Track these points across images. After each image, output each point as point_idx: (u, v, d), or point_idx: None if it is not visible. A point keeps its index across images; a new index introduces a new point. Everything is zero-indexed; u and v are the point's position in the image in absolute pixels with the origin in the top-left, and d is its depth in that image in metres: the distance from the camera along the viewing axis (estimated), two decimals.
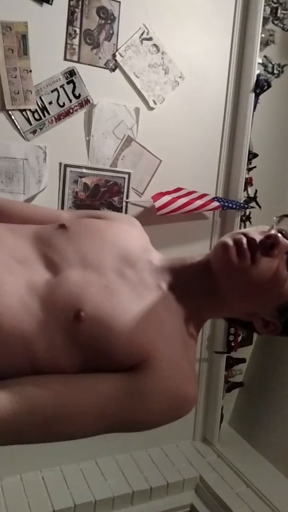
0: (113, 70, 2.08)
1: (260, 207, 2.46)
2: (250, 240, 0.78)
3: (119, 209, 2.20)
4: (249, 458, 2.54)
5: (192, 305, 0.83)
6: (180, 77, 2.22)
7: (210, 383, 2.64)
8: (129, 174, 2.20)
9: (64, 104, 2.01)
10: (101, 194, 2.14)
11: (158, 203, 2.12)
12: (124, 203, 2.21)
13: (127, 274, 0.81)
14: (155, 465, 2.41)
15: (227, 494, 2.24)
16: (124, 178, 2.19)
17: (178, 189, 2.28)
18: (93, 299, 0.74)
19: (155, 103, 2.19)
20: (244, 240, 0.78)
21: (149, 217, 2.24)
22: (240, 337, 2.55)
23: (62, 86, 2.00)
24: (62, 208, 2.08)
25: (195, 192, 2.29)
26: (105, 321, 0.72)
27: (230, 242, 0.79)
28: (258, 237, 0.79)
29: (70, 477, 2.22)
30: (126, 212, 2.22)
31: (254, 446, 2.62)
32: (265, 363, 2.69)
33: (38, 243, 0.83)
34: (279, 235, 0.78)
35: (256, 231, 0.81)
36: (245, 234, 0.79)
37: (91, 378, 0.71)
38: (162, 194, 2.19)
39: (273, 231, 0.79)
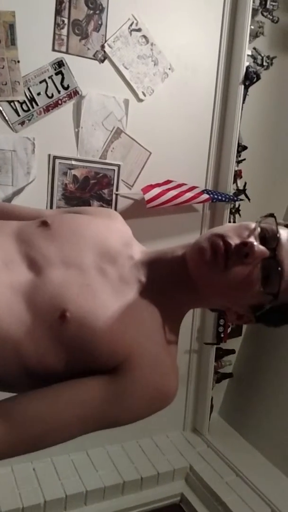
0: (102, 61, 2.07)
1: (249, 199, 2.47)
2: (226, 245, 0.77)
3: (109, 202, 2.20)
4: (239, 448, 2.57)
5: (172, 299, 0.84)
6: (169, 68, 2.22)
7: (200, 374, 2.66)
8: (118, 166, 2.19)
9: (52, 95, 2.00)
10: (90, 186, 2.14)
11: (148, 196, 2.12)
12: (114, 196, 2.21)
13: (108, 271, 0.82)
14: (145, 455, 2.43)
15: (216, 483, 2.27)
16: (114, 170, 2.19)
17: (167, 182, 2.28)
18: (77, 299, 0.75)
19: (144, 94, 2.18)
20: (220, 245, 0.77)
21: (139, 210, 2.24)
22: (229, 329, 2.57)
23: (50, 77, 1.98)
24: (51, 200, 2.07)
25: (185, 184, 2.29)
26: (88, 321, 0.73)
27: (206, 246, 0.78)
28: (235, 241, 0.77)
29: (61, 468, 2.24)
30: (116, 205, 2.22)
31: (244, 436, 2.66)
32: (254, 354, 2.72)
33: (20, 242, 0.84)
34: (255, 243, 0.76)
35: (236, 233, 0.79)
36: (223, 237, 0.78)
37: (73, 388, 0.73)
38: (152, 187, 2.19)
39: (250, 239, 0.77)
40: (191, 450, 2.55)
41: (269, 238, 0.79)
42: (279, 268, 0.76)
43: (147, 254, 0.90)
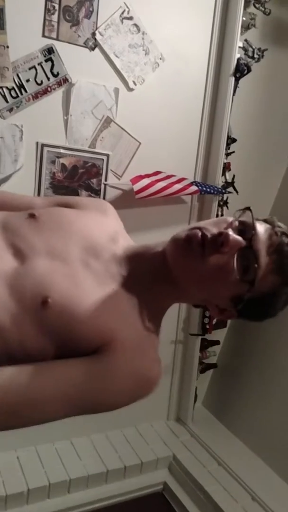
0: (93, 49, 2.04)
1: (237, 192, 2.48)
2: (203, 236, 0.79)
3: (97, 191, 2.18)
4: (221, 437, 2.61)
5: (153, 294, 0.86)
6: (160, 58, 2.20)
7: (184, 364, 2.69)
8: (107, 155, 2.18)
9: (42, 82, 1.97)
10: (79, 176, 2.12)
11: (136, 186, 2.12)
12: (102, 186, 2.20)
13: (92, 265, 0.84)
14: (129, 444, 2.45)
15: (199, 472, 2.31)
16: (103, 160, 2.17)
17: (156, 173, 2.27)
18: (59, 287, 0.76)
19: (135, 84, 2.17)
20: (197, 235, 0.79)
21: (127, 200, 2.24)
22: (214, 320, 2.59)
23: (40, 64, 1.95)
24: (39, 188, 2.05)
25: (174, 176, 2.29)
26: (70, 308, 0.75)
27: (182, 237, 0.81)
28: (212, 232, 0.80)
29: (45, 456, 2.24)
30: (104, 195, 2.21)
31: (227, 426, 2.70)
32: (239, 345, 2.75)
33: (6, 232, 0.85)
34: (230, 232, 0.79)
35: (214, 225, 0.82)
36: (200, 229, 0.80)
37: (55, 365, 0.73)
38: (141, 177, 2.18)
39: (225, 229, 0.80)
40: (174, 440, 2.58)
41: (245, 230, 0.82)
42: (255, 257, 0.79)
43: (131, 249, 0.91)
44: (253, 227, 0.81)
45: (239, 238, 0.79)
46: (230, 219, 0.84)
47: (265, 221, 0.86)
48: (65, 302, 0.75)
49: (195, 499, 2.22)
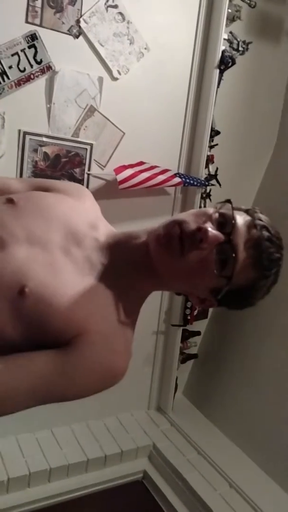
0: (77, 36, 2.02)
1: (220, 185, 2.49)
2: (182, 231, 0.79)
3: (80, 181, 2.17)
4: (201, 426, 2.65)
5: (133, 282, 0.86)
6: (145, 48, 2.19)
7: (165, 354, 2.71)
8: (91, 145, 2.17)
9: (24, 69, 1.94)
10: (62, 165, 2.11)
11: (120, 177, 2.11)
12: (85, 175, 2.18)
13: (72, 252, 0.83)
14: (110, 433, 2.47)
15: (178, 461, 2.34)
16: (86, 149, 2.16)
17: (140, 163, 2.27)
18: (37, 275, 0.76)
19: (119, 73, 2.15)
20: (176, 231, 0.80)
21: (111, 190, 2.23)
22: (196, 311, 2.61)
23: (23, 50, 1.92)
24: (21, 177, 2.02)
25: (158, 167, 2.28)
26: (46, 298, 0.75)
27: (162, 232, 0.81)
28: (191, 227, 0.80)
29: (26, 446, 2.25)
30: (88, 185, 2.20)
31: (206, 415, 2.73)
32: (219, 336, 2.78)
33: None
34: (209, 228, 0.79)
35: (194, 219, 0.82)
36: (180, 224, 0.80)
37: (22, 357, 0.73)
38: (125, 167, 2.17)
39: (205, 225, 0.79)
40: (155, 429, 2.60)
41: (225, 223, 0.81)
42: (233, 253, 0.79)
43: (113, 236, 0.91)
44: (232, 221, 0.81)
45: (217, 233, 0.79)
46: (211, 211, 0.84)
47: (247, 211, 0.86)
48: (42, 292, 0.75)
49: (174, 487, 2.26)
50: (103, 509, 2.19)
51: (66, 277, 0.79)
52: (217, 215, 0.82)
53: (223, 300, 0.85)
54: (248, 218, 0.84)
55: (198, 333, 2.77)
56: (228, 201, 0.84)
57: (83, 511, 2.15)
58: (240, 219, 0.82)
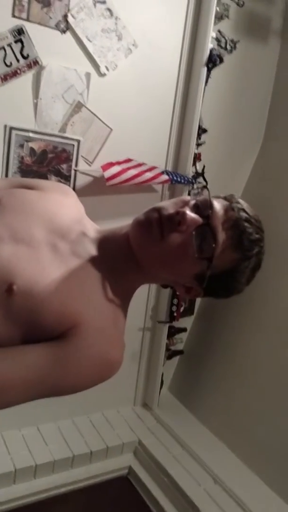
0: (64, 31, 2.00)
1: (207, 183, 2.49)
2: (161, 216, 0.81)
3: (67, 177, 2.16)
4: (186, 423, 2.66)
5: (121, 276, 0.86)
6: (133, 44, 2.18)
7: (151, 351, 2.72)
8: (78, 141, 2.16)
9: (11, 64, 1.92)
10: (48, 161, 2.09)
11: (107, 173, 2.11)
12: (72, 171, 2.17)
13: (59, 247, 0.84)
14: (95, 430, 2.47)
15: (163, 456, 2.35)
16: (73, 145, 2.15)
17: (128, 160, 2.26)
18: (24, 272, 0.76)
19: (107, 69, 2.14)
20: (154, 216, 0.81)
21: (98, 187, 2.23)
22: (182, 308, 2.63)
23: (9, 45, 1.90)
24: (7, 173, 2.01)
25: (145, 164, 2.29)
26: (36, 294, 0.75)
27: (142, 218, 0.83)
28: (170, 211, 0.82)
29: (11, 442, 2.24)
30: (75, 181, 2.19)
31: (191, 411, 2.75)
32: (205, 332, 2.80)
33: None
34: (187, 211, 0.80)
35: (172, 205, 0.84)
36: (159, 210, 0.82)
37: (17, 350, 0.73)
38: (112, 164, 2.17)
39: (183, 209, 0.81)
40: (140, 425, 2.61)
41: (203, 207, 0.83)
42: (212, 234, 0.80)
43: (99, 232, 0.92)
44: (210, 205, 0.82)
45: (195, 216, 0.81)
46: (188, 198, 0.86)
47: (224, 198, 0.87)
48: (30, 288, 0.75)
49: (159, 483, 2.27)
50: (88, 505, 2.20)
51: (54, 272, 0.79)
52: (194, 201, 0.84)
53: (209, 286, 0.85)
54: (225, 202, 0.85)
55: (184, 329, 2.79)
56: (205, 187, 0.85)
57: (69, 506, 2.16)
58: (217, 203, 0.84)
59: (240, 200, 0.86)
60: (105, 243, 0.88)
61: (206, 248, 0.80)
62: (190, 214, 0.81)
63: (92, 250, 0.86)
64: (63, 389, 0.76)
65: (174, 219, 0.80)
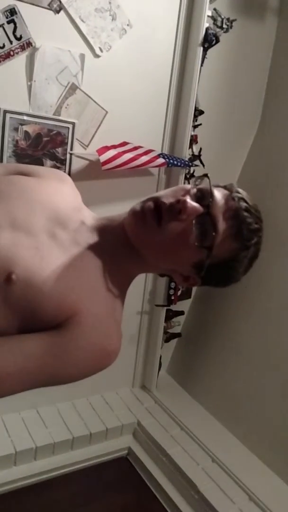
0: (57, 12, 1.96)
1: (203, 165, 2.48)
2: (160, 204, 0.81)
3: (62, 161, 2.14)
4: (184, 403, 2.70)
5: (119, 264, 0.86)
6: (128, 25, 2.14)
7: (150, 334, 2.74)
8: (73, 124, 2.13)
9: (4, 45, 1.89)
10: (43, 144, 2.07)
11: (103, 157, 2.09)
12: (68, 155, 2.15)
13: (57, 235, 0.83)
14: (95, 412, 2.50)
15: (162, 437, 2.39)
16: (68, 128, 2.13)
17: (123, 144, 2.24)
18: (23, 261, 0.76)
19: (101, 50, 2.11)
20: (150, 207, 0.81)
21: (94, 171, 2.21)
22: (179, 291, 2.64)
23: (2, 26, 1.86)
24: (1, 157, 1.99)
25: (141, 147, 2.27)
26: (35, 283, 0.74)
27: (138, 208, 0.82)
28: (170, 200, 0.81)
29: (11, 425, 2.27)
30: (70, 165, 2.17)
31: (189, 392, 2.79)
32: (202, 315, 2.82)
33: None
34: (188, 200, 0.80)
35: (172, 194, 0.83)
36: (156, 199, 0.82)
37: (14, 339, 0.73)
38: (108, 148, 2.15)
39: (183, 198, 0.80)
40: (139, 406, 2.65)
41: (203, 196, 0.82)
42: (213, 224, 0.80)
43: (97, 220, 0.91)
44: (210, 194, 0.81)
45: (196, 205, 0.80)
46: (188, 186, 0.85)
47: (224, 187, 0.87)
48: (30, 277, 0.74)
49: (158, 463, 2.31)
50: (89, 485, 2.24)
51: (54, 261, 0.78)
52: (195, 190, 0.83)
53: (206, 275, 0.85)
54: (225, 192, 0.85)
55: (181, 312, 2.80)
56: (206, 175, 0.84)
57: (69, 487, 2.20)
58: (218, 192, 0.83)
59: (240, 190, 0.86)
60: (103, 231, 0.88)
61: (206, 237, 0.80)
62: (191, 202, 0.80)
63: (91, 239, 0.86)
64: (61, 379, 0.76)
65: (175, 207, 0.80)
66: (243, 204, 0.82)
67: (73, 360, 0.75)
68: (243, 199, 0.83)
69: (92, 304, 0.79)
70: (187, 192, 0.83)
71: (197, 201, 0.81)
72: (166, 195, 0.83)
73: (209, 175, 0.84)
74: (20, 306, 0.74)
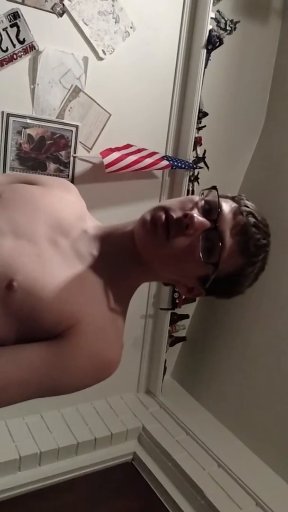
0: (61, 15, 1.96)
1: (208, 167, 2.47)
2: (168, 217, 0.79)
3: (66, 164, 2.14)
4: (189, 408, 2.68)
5: (122, 273, 0.85)
6: (131, 27, 2.14)
7: (154, 338, 2.72)
8: (76, 127, 2.13)
9: (7, 49, 1.89)
10: (46, 147, 2.07)
11: (107, 160, 2.08)
12: (71, 158, 2.15)
13: (60, 243, 0.82)
14: (99, 416, 2.48)
15: (167, 442, 2.37)
16: (72, 131, 2.12)
17: (127, 146, 2.24)
18: (25, 269, 0.75)
19: (104, 53, 2.10)
20: (161, 217, 0.79)
21: (97, 174, 2.20)
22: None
23: (5, 29, 1.86)
24: (5, 160, 1.99)
25: (145, 149, 2.26)
26: (36, 291, 0.73)
27: (148, 218, 0.80)
28: (177, 214, 0.79)
29: (15, 430, 2.25)
30: (74, 168, 2.17)
31: (194, 397, 2.77)
32: (207, 319, 2.80)
33: None
34: (195, 215, 0.78)
35: (180, 206, 0.81)
36: (166, 210, 0.80)
37: (13, 350, 0.72)
38: (111, 151, 2.14)
39: (191, 211, 0.79)
40: (144, 411, 2.63)
41: (211, 210, 0.80)
42: (220, 239, 0.78)
43: (101, 229, 0.90)
44: (218, 208, 0.80)
45: (203, 220, 0.79)
46: (196, 198, 0.83)
47: (233, 199, 0.85)
48: (31, 285, 0.73)
49: (163, 468, 2.29)
50: (93, 491, 2.21)
51: (55, 269, 0.78)
52: (203, 202, 0.82)
53: (211, 288, 0.84)
54: (234, 204, 0.83)
55: (186, 316, 2.79)
56: (214, 187, 0.82)
57: (74, 493, 2.18)
58: (226, 206, 0.82)
59: (248, 203, 0.84)
60: (107, 240, 0.87)
61: (212, 253, 0.79)
62: (198, 217, 0.78)
63: (93, 248, 0.85)
64: (61, 389, 0.75)
65: (182, 222, 0.78)
66: (252, 220, 0.81)
67: (72, 371, 0.74)
68: (251, 213, 0.82)
69: (93, 313, 0.78)
70: (195, 204, 0.81)
71: (204, 215, 0.80)
72: (174, 207, 0.81)
73: (217, 187, 0.82)
74: (20, 314, 0.73)
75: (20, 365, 0.70)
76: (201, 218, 0.79)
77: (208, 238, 0.79)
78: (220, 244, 0.78)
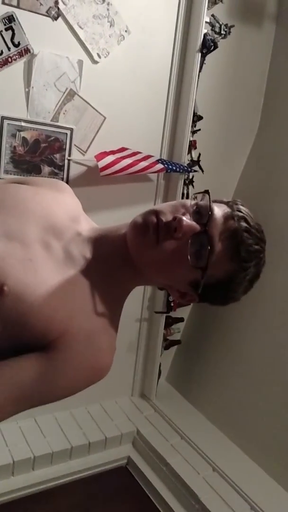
0: (56, 18, 1.96)
1: (203, 171, 2.48)
2: (158, 221, 0.78)
3: (60, 167, 2.13)
4: (184, 412, 2.67)
5: (115, 277, 0.84)
6: (126, 31, 2.14)
7: (149, 341, 2.72)
8: (71, 130, 2.13)
9: (2, 52, 1.88)
10: (41, 150, 2.06)
11: (101, 163, 2.08)
12: (66, 161, 2.15)
13: (52, 246, 0.81)
14: (94, 421, 2.47)
15: (162, 446, 2.36)
16: (66, 134, 2.12)
17: (122, 149, 2.24)
18: (16, 273, 0.74)
19: (99, 56, 2.11)
20: (152, 220, 0.78)
21: (92, 177, 2.20)
22: None
23: (0, 33, 1.86)
24: None
25: (140, 153, 2.26)
26: (26, 296, 0.72)
27: (139, 221, 0.80)
28: (168, 218, 0.79)
29: (9, 435, 2.23)
30: (68, 171, 2.16)
31: (189, 400, 2.76)
32: (202, 322, 2.80)
33: None
34: (184, 218, 0.77)
35: (171, 210, 0.81)
36: (157, 214, 0.79)
37: (3, 369, 0.71)
38: (106, 154, 2.14)
39: (182, 214, 0.78)
40: (138, 415, 2.61)
41: (202, 214, 0.80)
42: (208, 244, 0.77)
43: (95, 231, 0.89)
44: (209, 211, 0.79)
45: (192, 223, 0.78)
46: (188, 203, 0.82)
47: (227, 203, 0.84)
48: (21, 290, 0.72)
49: (158, 472, 2.28)
50: (88, 495, 2.20)
51: (47, 273, 0.76)
52: (195, 206, 0.81)
53: (204, 294, 0.83)
54: (227, 209, 0.82)
55: (181, 319, 2.78)
56: (206, 192, 0.81)
57: (68, 497, 2.16)
58: (218, 210, 0.81)
59: (242, 208, 0.83)
60: (100, 243, 0.86)
61: (201, 257, 0.78)
62: (187, 221, 0.77)
63: (86, 251, 0.84)
64: (53, 399, 0.75)
65: (171, 225, 0.78)
66: (243, 225, 0.79)
67: (64, 382, 0.74)
68: (244, 218, 0.80)
69: (85, 320, 0.77)
70: (186, 209, 0.81)
71: (195, 219, 0.79)
72: (166, 210, 0.80)
73: (209, 191, 0.81)
74: (10, 319, 0.71)
75: (12, 383, 0.70)
76: (190, 222, 0.78)
77: (197, 242, 0.78)
78: (209, 248, 0.77)
